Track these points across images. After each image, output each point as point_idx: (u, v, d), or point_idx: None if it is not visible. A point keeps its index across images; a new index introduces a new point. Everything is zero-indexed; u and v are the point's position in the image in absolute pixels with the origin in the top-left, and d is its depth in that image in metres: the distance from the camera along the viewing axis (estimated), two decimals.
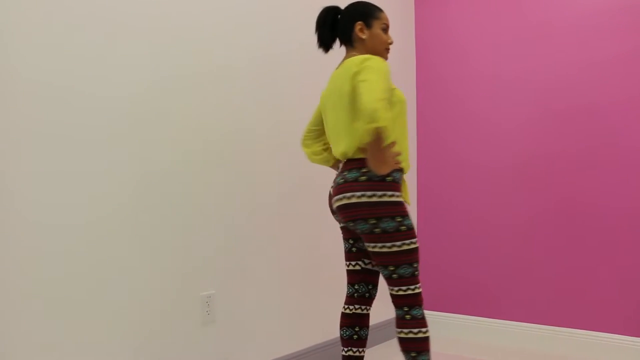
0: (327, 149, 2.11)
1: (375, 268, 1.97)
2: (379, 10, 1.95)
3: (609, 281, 2.78)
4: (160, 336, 2.02)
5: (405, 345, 1.84)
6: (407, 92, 3.41)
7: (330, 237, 2.82)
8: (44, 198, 1.70)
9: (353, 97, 1.81)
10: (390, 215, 1.78)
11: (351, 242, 2.01)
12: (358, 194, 1.79)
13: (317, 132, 2.12)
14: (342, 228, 2.05)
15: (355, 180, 1.81)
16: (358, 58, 1.79)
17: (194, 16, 2.18)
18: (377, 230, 1.79)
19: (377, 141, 1.60)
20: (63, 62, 1.76)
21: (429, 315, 3.37)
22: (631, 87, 2.72)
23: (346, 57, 1.95)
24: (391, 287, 1.87)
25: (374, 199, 1.78)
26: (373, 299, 2.05)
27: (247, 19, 2.39)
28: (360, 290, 2.02)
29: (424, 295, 3.41)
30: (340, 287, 2.86)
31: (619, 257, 2.75)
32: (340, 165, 1.93)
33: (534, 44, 3.01)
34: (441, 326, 3.33)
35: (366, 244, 1.86)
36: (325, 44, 1.99)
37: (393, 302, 1.90)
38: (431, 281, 3.38)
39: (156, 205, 2.02)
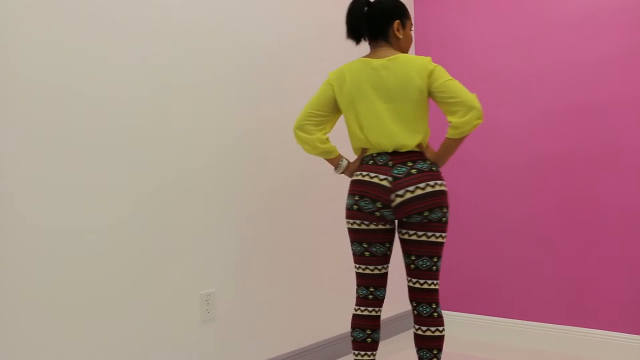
0: (329, 138, 2.05)
1: (419, 260, 1.92)
2: (408, 11, 2.03)
3: (622, 280, 2.78)
4: (160, 334, 2.03)
5: (429, 342, 1.90)
6: None
7: (330, 237, 2.82)
8: (43, 199, 1.71)
9: (423, 92, 1.90)
10: (448, 205, 1.95)
11: (387, 245, 1.97)
12: (439, 182, 1.91)
13: (321, 118, 2.01)
14: (371, 232, 1.95)
15: (430, 170, 1.91)
16: (422, 57, 1.92)
17: (195, 16, 2.18)
18: (444, 218, 1.91)
19: (463, 139, 1.88)
20: (63, 62, 1.76)
21: None
22: (634, 85, 2.72)
23: (384, 52, 1.95)
24: (424, 280, 1.92)
25: (446, 188, 1.93)
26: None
27: (247, 18, 2.39)
28: (383, 293, 2.02)
29: None
30: (339, 286, 2.87)
31: (630, 256, 2.75)
32: (381, 157, 1.93)
33: (535, 42, 3.00)
34: (450, 325, 3.33)
35: (422, 233, 1.90)
36: (360, 35, 1.98)
37: (420, 297, 1.93)
38: (441, 280, 3.39)
39: (155, 205, 2.03)
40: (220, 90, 2.27)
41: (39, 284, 1.69)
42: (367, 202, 1.91)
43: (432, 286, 1.92)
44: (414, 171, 1.88)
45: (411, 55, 1.91)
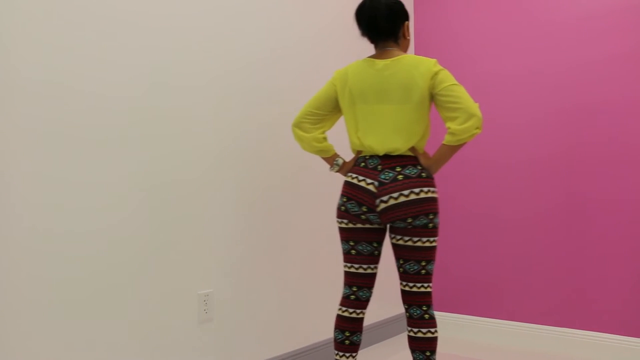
0: (326, 137, 2.07)
1: (407, 264, 1.92)
2: None
3: (618, 282, 2.78)
4: (158, 334, 2.03)
5: (421, 344, 1.91)
6: None
7: (329, 237, 2.82)
8: (41, 198, 1.70)
9: (425, 94, 1.89)
10: (438, 211, 1.93)
11: (375, 245, 1.97)
12: (425, 189, 1.88)
13: (319, 117, 2.03)
14: (359, 230, 1.96)
15: (419, 176, 1.89)
16: (428, 59, 1.91)
17: (195, 14, 2.17)
18: (431, 225, 1.89)
19: (460, 147, 1.86)
20: (62, 61, 1.75)
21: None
22: (632, 86, 2.72)
23: (391, 53, 1.95)
24: (413, 284, 1.93)
25: (435, 195, 1.92)
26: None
27: (246, 17, 2.39)
28: (367, 294, 2.01)
29: None
30: (337, 287, 2.87)
31: (626, 257, 2.76)
32: (372, 160, 1.92)
33: (535, 42, 3.01)
34: (445, 327, 3.33)
35: (409, 238, 1.90)
36: (378, 33, 1.95)
37: (411, 299, 1.94)
38: (436, 281, 3.39)
39: (154, 205, 2.03)
40: (218, 89, 2.27)
41: (36, 283, 1.68)
42: (353, 204, 1.92)
43: (422, 289, 1.93)
44: (400, 177, 1.87)
45: (417, 56, 1.91)
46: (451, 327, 3.28)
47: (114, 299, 1.89)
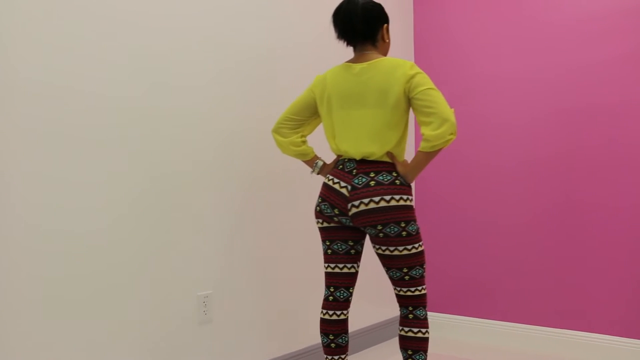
0: (305, 141, 2.09)
1: (390, 272, 1.94)
2: None
3: (610, 283, 2.79)
4: (157, 335, 2.02)
5: (404, 343, 1.93)
6: None
7: None
8: (40, 198, 1.69)
9: (400, 98, 1.86)
10: (414, 218, 1.89)
11: (351, 243, 1.98)
12: (397, 197, 1.85)
13: (297, 122, 2.04)
14: (334, 229, 1.98)
15: (392, 183, 1.86)
16: (405, 61, 1.88)
17: (194, 14, 2.17)
18: (404, 233, 1.86)
19: (436, 153, 1.83)
20: (60, 61, 1.74)
21: (429, 316, 3.38)
22: (630, 88, 2.73)
23: (368, 56, 1.92)
24: (400, 288, 1.95)
25: (408, 202, 1.88)
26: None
27: (246, 17, 2.38)
28: (345, 294, 2.01)
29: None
30: None
31: (619, 258, 2.77)
32: (349, 163, 1.92)
33: (534, 43, 3.01)
34: (440, 327, 3.34)
35: (385, 247, 1.90)
36: (354, 36, 1.94)
37: (399, 301, 1.97)
38: (429, 282, 3.39)
39: (153, 205, 2.02)
40: (218, 90, 2.26)
41: (36, 283, 1.68)
42: (327, 206, 1.94)
43: (409, 292, 1.94)
44: (372, 183, 1.86)
45: (394, 58, 1.90)
46: (444, 328, 3.28)
47: (113, 300, 1.88)
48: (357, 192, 1.86)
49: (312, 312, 2.71)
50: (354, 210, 1.87)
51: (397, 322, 3.32)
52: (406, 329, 1.93)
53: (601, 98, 2.80)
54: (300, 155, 2.06)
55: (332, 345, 1.99)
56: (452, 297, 3.29)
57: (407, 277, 1.92)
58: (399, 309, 1.99)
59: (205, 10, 2.21)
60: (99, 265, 1.84)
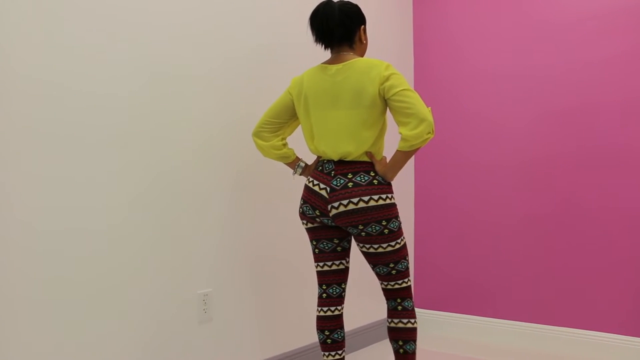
0: (286, 144, 2.09)
1: (377, 268, 1.98)
2: None
3: (606, 281, 2.79)
4: (157, 334, 2.03)
5: (395, 334, 1.98)
6: None
7: None
8: (40, 198, 1.70)
9: (376, 99, 1.87)
10: (395, 215, 1.92)
11: (336, 241, 2.02)
12: (375, 197, 1.87)
13: (277, 125, 2.05)
14: (318, 229, 2.01)
15: (370, 183, 1.88)
16: (380, 62, 1.87)
17: (192, 11, 2.17)
18: (386, 230, 1.89)
19: (414, 152, 1.85)
20: (61, 59, 1.75)
21: (427, 314, 3.38)
22: (632, 86, 2.73)
23: (344, 57, 1.94)
24: (387, 282, 1.99)
25: (388, 202, 1.90)
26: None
27: (245, 14, 2.39)
28: (337, 290, 2.05)
29: (421, 294, 3.42)
30: None
31: (616, 257, 2.76)
32: (328, 165, 1.94)
33: (533, 43, 3.01)
34: (437, 325, 3.33)
35: (370, 245, 1.93)
36: (332, 39, 1.95)
37: (386, 295, 2.02)
38: (429, 280, 3.39)
39: (153, 204, 2.03)
40: (218, 90, 2.27)
41: (36, 283, 1.68)
42: (308, 207, 1.97)
43: (396, 286, 1.99)
44: (350, 184, 1.88)
45: (370, 59, 1.91)
46: (442, 326, 3.27)
47: (113, 299, 1.89)
48: (335, 194, 1.89)
49: (311, 310, 2.72)
50: (334, 211, 1.90)
51: None
52: (396, 320, 1.98)
53: (600, 97, 2.80)
54: (281, 158, 2.08)
55: (328, 341, 2.02)
56: (452, 295, 3.29)
57: (394, 272, 1.97)
58: (386, 302, 2.06)
59: (205, 10, 2.21)
60: (98, 265, 1.85)
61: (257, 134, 2.07)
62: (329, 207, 1.90)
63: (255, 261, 2.42)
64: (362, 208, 1.86)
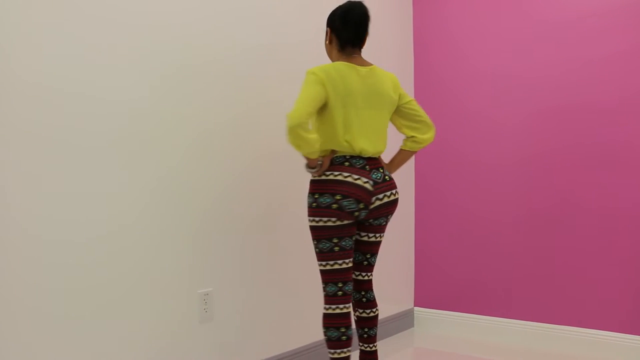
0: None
1: (372, 258, 2.19)
2: None
3: (606, 279, 2.79)
4: (158, 333, 2.04)
5: (362, 323, 2.19)
6: (405, 89, 3.41)
7: None
8: (40, 199, 1.71)
9: (394, 105, 2.12)
10: None
11: (354, 238, 2.09)
12: (396, 191, 2.12)
13: (311, 117, 1.92)
14: (348, 226, 1.99)
15: (392, 178, 2.11)
16: (391, 74, 2.14)
17: (192, 12, 2.18)
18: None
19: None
20: (63, 64, 1.76)
21: (427, 313, 3.39)
22: (630, 85, 2.73)
23: (365, 61, 2.09)
24: (365, 274, 2.19)
25: None
26: None
27: (246, 13, 2.40)
28: (351, 287, 2.09)
29: (421, 293, 3.43)
30: None
31: (616, 255, 2.77)
32: (358, 160, 2.02)
33: (533, 42, 3.01)
34: (437, 324, 3.34)
35: (379, 235, 2.15)
36: (360, 41, 2.08)
37: (357, 287, 2.20)
38: (428, 279, 3.40)
39: (154, 204, 2.03)
40: (218, 91, 2.28)
41: (35, 282, 1.69)
42: (350, 202, 1.96)
43: (367, 277, 2.20)
44: (387, 178, 2.07)
45: (384, 70, 2.18)
46: (439, 325, 3.28)
47: (114, 299, 1.90)
48: (379, 187, 2.03)
49: (312, 310, 2.72)
50: (377, 202, 2.03)
51: (395, 321, 3.33)
52: (360, 310, 2.18)
53: (600, 95, 2.80)
54: (316, 153, 1.93)
55: (344, 338, 2.01)
56: (451, 295, 3.29)
57: (373, 261, 2.19)
58: (361, 295, 2.21)
59: (205, 11, 2.22)
60: (99, 265, 1.86)
61: (301, 126, 1.83)
62: (373, 199, 2.01)
63: (256, 260, 2.43)
64: (393, 200, 2.08)
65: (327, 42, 2.13)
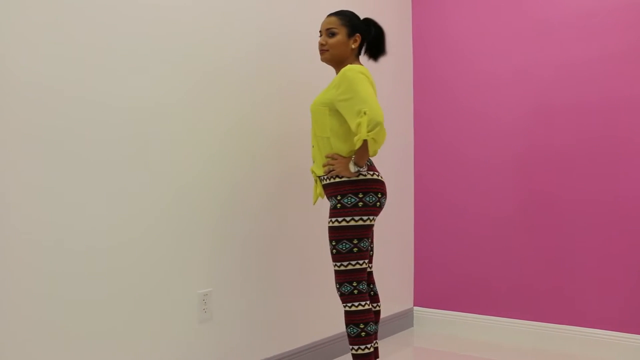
0: None
1: (372, 244, 2.28)
2: None
3: (606, 279, 2.79)
4: (157, 333, 2.04)
5: (377, 317, 2.31)
6: (404, 89, 3.42)
7: (326, 237, 2.83)
8: (40, 200, 1.71)
9: None
10: None
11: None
12: None
13: None
14: (371, 227, 2.09)
15: None
16: None
17: (195, 13, 2.18)
18: None
19: None
20: (65, 67, 1.76)
21: (427, 312, 3.39)
22: (631, 84, 2.73)
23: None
24: (371, 265, 2.29)
25: None
26: None
27: (249, 13, 2.40)
28: (371, 287, 2.28)
29: (421, 292, 3.44)
30: (334, 287, 2.87)
31: (616, 254, 2.77)
32: (369, 161, 2.11)
33: (531, 42, 3.02)
34: (436, 323, 3.34)
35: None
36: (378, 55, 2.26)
37: (371, 280, 2.28)
38: (428, 278, 3.40)
39: (154, 204, 2.04)
40: (218, 93, 2.28)
41: (35, 281, 1.69)
42: (385, 199, 2.11)
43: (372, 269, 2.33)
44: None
45: None
46: (438, 324, 3.28)
47: (114, 299, 1.90)
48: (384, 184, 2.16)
49: (312, 309, 2.73)
50: (385, 199, 2.13)
51: (394, 320, 3.33)
52: (375, 304, 2.28)
53: (599, 94, 2.81)
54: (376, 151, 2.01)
55: (376, 331, 2.15)
56: (451, 295, 3.30)
57: (372, 252, 2.31)
58: (370, 288, 2.29)
59: (205, 11, 2.22)
60: (99, 264, 1.86)
61: (382, 122, 1.92)
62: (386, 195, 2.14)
63: (256, 261, 2.43)
64: None
65: (349, 42, 2.13)
